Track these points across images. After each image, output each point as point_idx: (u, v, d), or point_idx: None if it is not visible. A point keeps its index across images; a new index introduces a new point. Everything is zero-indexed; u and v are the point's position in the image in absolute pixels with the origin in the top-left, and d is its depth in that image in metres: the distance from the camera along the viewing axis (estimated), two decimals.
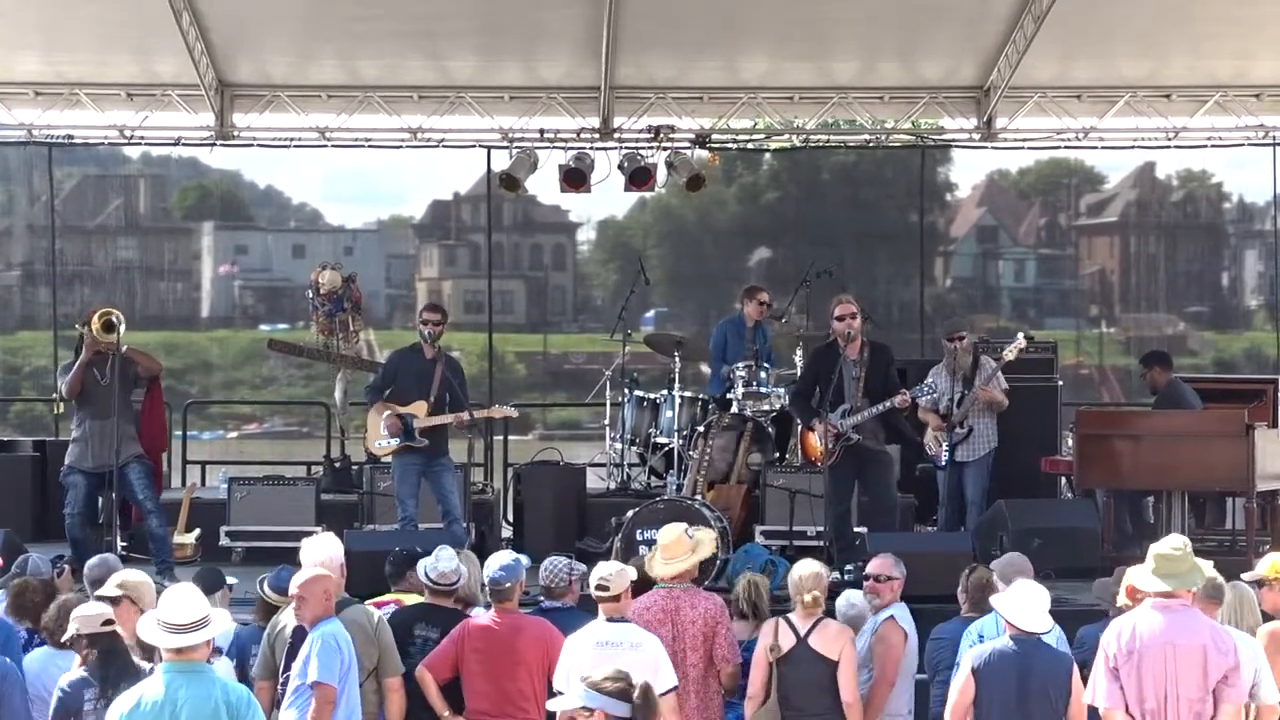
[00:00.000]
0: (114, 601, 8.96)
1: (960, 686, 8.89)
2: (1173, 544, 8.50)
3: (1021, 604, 8.95)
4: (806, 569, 9.99)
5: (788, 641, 9.75)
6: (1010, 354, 14.37)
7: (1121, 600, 9.35)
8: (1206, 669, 8.22)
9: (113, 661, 8.42)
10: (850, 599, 10.43)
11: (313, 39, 16.48)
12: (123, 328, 13.39)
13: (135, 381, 13.70)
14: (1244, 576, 9.40)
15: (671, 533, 10.40)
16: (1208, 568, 8.82)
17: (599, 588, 9.42)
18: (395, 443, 13.79)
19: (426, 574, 10.16)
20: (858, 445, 13.23)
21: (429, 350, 13.90)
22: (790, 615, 9.88)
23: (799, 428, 14.88)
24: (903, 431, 13.71)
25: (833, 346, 13.44)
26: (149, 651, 8.21)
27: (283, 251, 47.40)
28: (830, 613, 10.17)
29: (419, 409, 13.80)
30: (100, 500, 13.57)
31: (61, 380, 13.70)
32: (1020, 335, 14.73)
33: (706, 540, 10.71)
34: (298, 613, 9.23)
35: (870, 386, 13.24)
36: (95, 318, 13.36)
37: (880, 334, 14.94)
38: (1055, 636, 9.74)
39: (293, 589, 9.28)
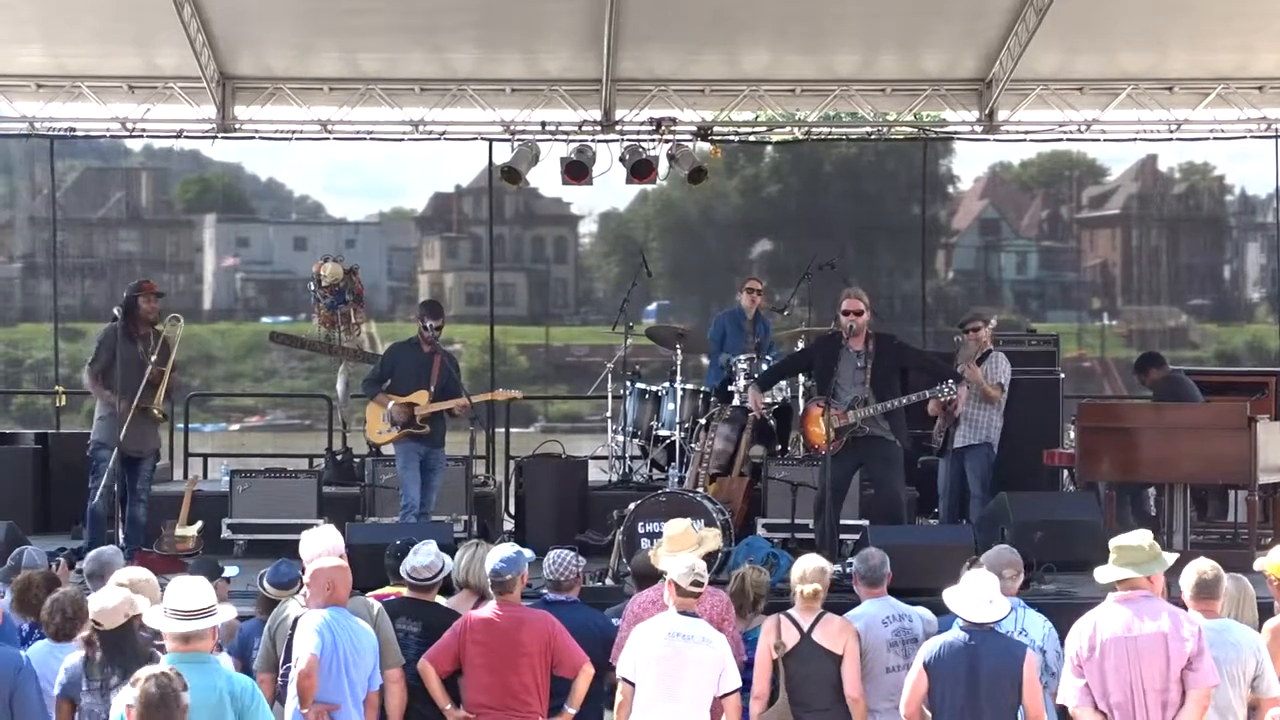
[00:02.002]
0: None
1: (913, 681, 8.93)
2: (1133, 537, 8.53)
3: (968, 595, 8.95)
4: (810, 563, 9.98)
5: (791, 638, 9.73)
6: (983, 335, 14.43)
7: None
8: (1168, 657, 8.23)
9: (122, 649, 8.36)
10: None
11: (314, 32, 16.48)
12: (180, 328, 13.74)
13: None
14: (1256, 566, 9.44)
15: (678, 526, 10.41)
16: (1198, 563, 8.84)
17: (694, 583, 9.40)
18: (396, 430, 13.88)
19: (406, 570, 10.15)
20: (866, 437, 13.23)
21: (426, 344, 14.00)
22: (791, 611, 9.87)
23: (800, 416, 14.87)
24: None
25: (836, 337, 13.46)
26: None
27: (284, 244, 47.41)
28: (830, 607, 10.16)
29: (421, 398, 13.90)
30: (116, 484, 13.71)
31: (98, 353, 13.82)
32: (992, 318, 14.76)
33: (712, 536, 10.75)
34: (307, 602, 9.28)
35: (877, 378, 13.22)
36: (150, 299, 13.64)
37: (882, 327, 14.92)
38: (1041, 627, 9.77)
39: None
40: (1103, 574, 8.50)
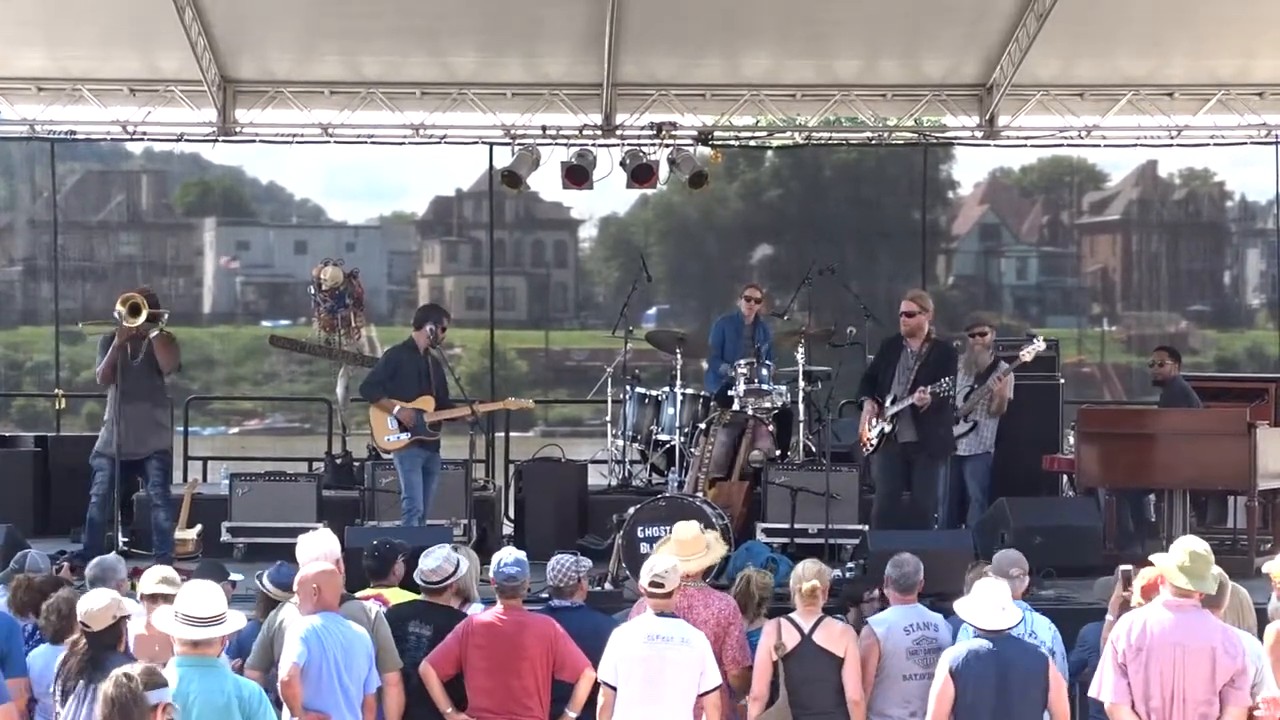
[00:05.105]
0: (164, 599, 8.93)
1: (939, 691, 8.92)
2: (1202, 545, 8.50)
3: (981, 604, 8.96)
4: (808, 565, 10.05)
5: (792, 639, 9.77)
6: (1027, 356, 14.40)
7: (1135, 599, 9.18)
8: (1214, 671, 8.23)
9: (88, 656, 8.29)
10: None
11: (315, 35, 16.49)
12: (146, 312, 13.37)
13: (157, 369, 13.76)
14: (1264, 569, 9.45)
15: (688, 530, 10.42)
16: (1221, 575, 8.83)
17: (654, 584, 9.41)
18: (406, 437, 13.87)
19: (418, 575, 10.15)
20: (897, 440, 13.28)
21: (423, 346, 14.00)
22: (793, 614, 9.90)
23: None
24: None
25: (899, 338, 13.56)
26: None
27: (285, 247, 47.35)
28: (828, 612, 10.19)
29: (426, 404, 13.90)
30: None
31: (99, 358, 13.80)
32: (1039, 339, 14.71)
33: (718, 546, 10.77)
34: (300, 607, 9.28)
35: (919, 382, 13.28)
36: (120, 302, 13.42)
37: (882, 331, 14.96)
38: (1048, 629, 9.77)
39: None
40: (1172, 576, 8.41)
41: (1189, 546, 8.42)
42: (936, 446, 13.56)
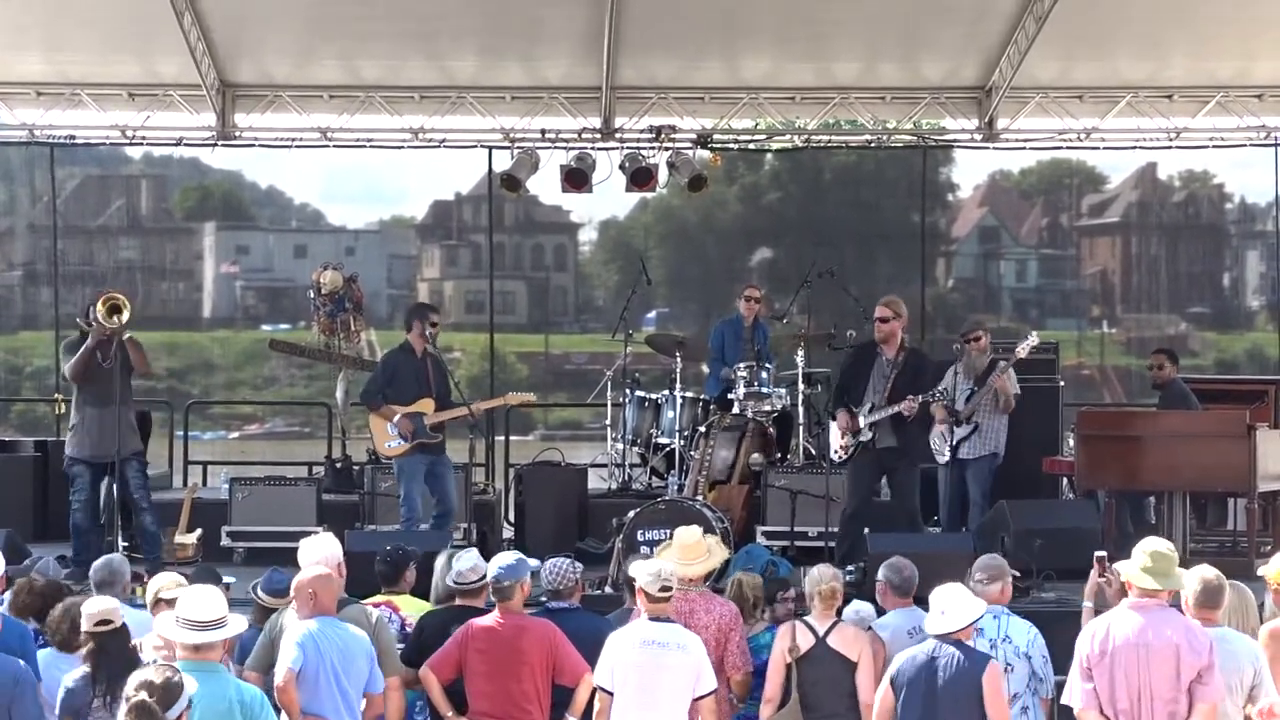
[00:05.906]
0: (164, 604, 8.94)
1: (880, 700, 9.00)
2: (1164, 544, 8.51)
3: (933, 611, 9.00)
4: (825, 569, 10.11)
5: (806, 641, 9.82)
6: (1023, 351, 14.38)
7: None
8: (1179, 668, 8.23)
9: (110, 660, 8.33)
10: (857, 608, 10.44)
11: (314, 39, 16.49)
12: (126, 313, 13.33)
13: (128, 372, 13.59)
14: (1260, 572, 9.44)
15: (690, 534, 10.42)
16: (1202, 570, 8.81)
17: (662, 589, 9.41)
18: (408, 442, 13.86)
19: (452, 579, 10.13)
20: (875, 446, 13.25)
21: (419, 347, 13.98)
22: (808, 618, 9.95)
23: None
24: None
25: (873, 344, 13.53)
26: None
27: (284, 252, 47.35)
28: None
29: (426, 406, 13.88)
30: (102, 493, 13.60)
31: (66, 359, 13.70)
32: (1034, 334, 14.69)
33: (719, 551, 10.77)
34: (297, 612, 9.27)
35: (898, 389, 13.25)
36: (101, 302, 13.34)
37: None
38: (1025, 634, 9.74)
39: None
40: (1136, 578, 8.41)
41: (1150, 548, 8.44)
42: (917, 452, 13.58)
